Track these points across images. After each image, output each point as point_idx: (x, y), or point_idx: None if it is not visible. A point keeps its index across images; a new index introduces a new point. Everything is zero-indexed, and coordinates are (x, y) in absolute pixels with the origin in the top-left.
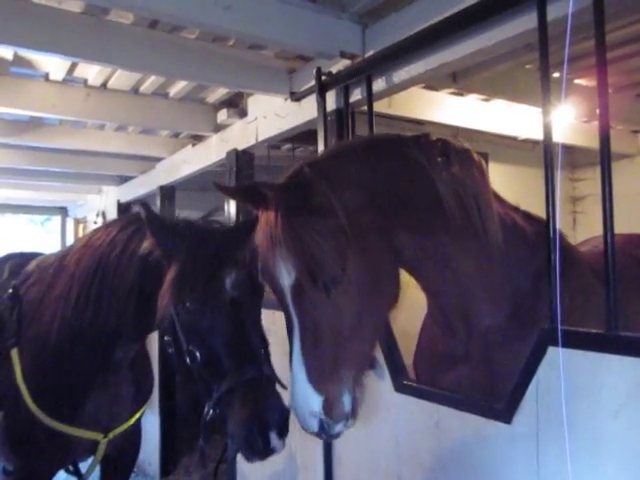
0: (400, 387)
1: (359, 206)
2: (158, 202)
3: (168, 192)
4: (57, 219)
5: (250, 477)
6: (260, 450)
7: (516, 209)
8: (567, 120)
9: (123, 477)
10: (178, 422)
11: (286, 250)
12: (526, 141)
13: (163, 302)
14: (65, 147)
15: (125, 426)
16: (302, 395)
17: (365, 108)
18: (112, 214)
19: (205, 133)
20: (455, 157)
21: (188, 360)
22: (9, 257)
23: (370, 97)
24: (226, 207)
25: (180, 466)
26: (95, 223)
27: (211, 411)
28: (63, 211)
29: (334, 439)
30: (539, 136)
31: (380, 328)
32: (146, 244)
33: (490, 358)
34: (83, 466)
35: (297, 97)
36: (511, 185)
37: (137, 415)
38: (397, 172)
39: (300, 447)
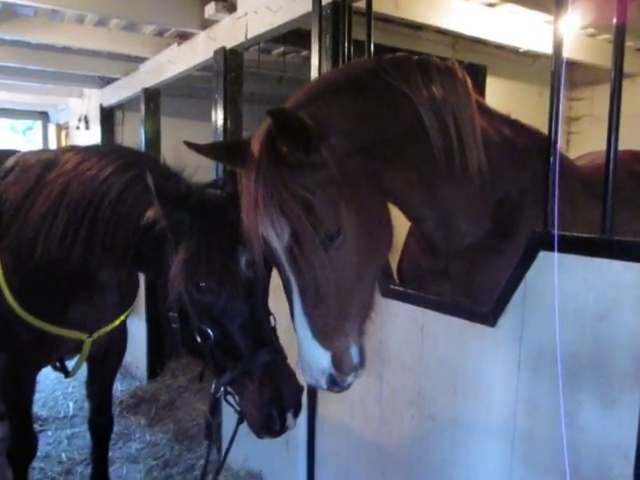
0: (386, 291)
1: (346, 151)
2: (142, 106)
3: (153, 95)
4: (38, 127)
5: None
6: (276, 431)
7: (507, 121)
8: (572, 32)
9: (109, 375)
10: (165, 327)
11: (276, 210)
12: (526, 55)
13: (175, 283)
14: (42, 41)
15: (109, 327)
16: (309, 354)
17: (361, 5)
18: (95, 119)
19: (191, 30)
20: (437, 76)
21: (198, 338)
22: None
23: None
24: (213, 115)
25: (167, 369)
26: (77, 128)
27: (222, 388)
28: (44, 116)
29: (345, 391)
30: (541, 48)
31: (378, 275)
32: (150, 213)
33: (470, 273)
34: (70, 365)
35: None
36: (508, 100)
37: (121, 317)
38: (380, 106)
39: None
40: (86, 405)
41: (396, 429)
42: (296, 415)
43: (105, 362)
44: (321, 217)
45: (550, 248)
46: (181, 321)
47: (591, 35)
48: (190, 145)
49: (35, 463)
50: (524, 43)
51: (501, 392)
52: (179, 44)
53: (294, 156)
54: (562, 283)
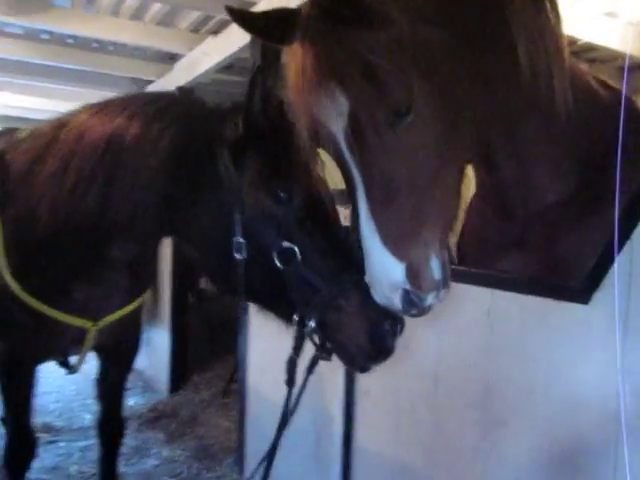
0: None
1: (420, 16)
2: None
3: (187, 94)
4: None
5: (262, 393)
6: (388, 349)
7: (588, 72)
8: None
9: (121, 373)
10: (189, 340)
11: (332, 80)
12: (580, 58)
13: (253, 193)
14: (77, 33)
15: (117, 315)
16: (380, 265)
17: None
18: None
19: (228, 17)
20: None
21: (278, 263)
22: (7, 130)
23: None
24: None
25: (189, 383)
26: None
27: (312, 320)
28: None
29: (425, 314)
30: (600, 42)
31: (459, 181)
32: (176, 129)
33: (551, 241)
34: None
35: None
36: None
37: (131, 306)
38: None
39: None
40: None
41: (455, 439)
42: (400, 332)
43: (116, 357)
44: (389, 87)
45: None
46: (253, 245)
47: None
48: (231, 11)
49: (41, 475)
50: (582, 35)
51: (597, 387)
52: (214, 36)
53: (352, 12)
54: None
